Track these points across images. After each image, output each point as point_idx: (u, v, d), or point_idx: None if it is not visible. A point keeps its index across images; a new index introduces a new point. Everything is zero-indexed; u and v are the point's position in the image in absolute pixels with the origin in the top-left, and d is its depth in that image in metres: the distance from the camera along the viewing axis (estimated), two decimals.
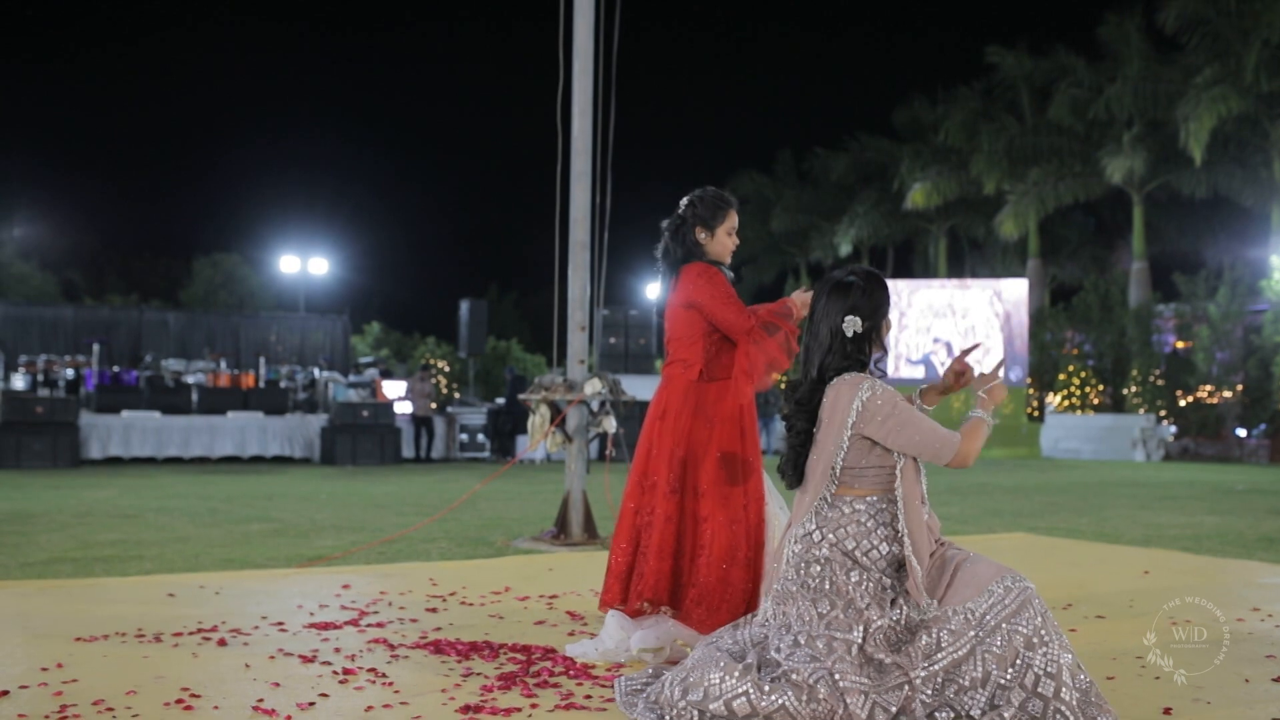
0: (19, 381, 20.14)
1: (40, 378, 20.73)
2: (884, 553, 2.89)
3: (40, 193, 40.22)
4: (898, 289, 28.10)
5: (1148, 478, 16.63)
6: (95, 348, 21.81)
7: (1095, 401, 28.08)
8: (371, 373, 24.21)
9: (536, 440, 6.84)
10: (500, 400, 22.33)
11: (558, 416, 6.80)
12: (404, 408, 19.83)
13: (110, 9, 57.27)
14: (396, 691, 3.01)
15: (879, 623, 2.81)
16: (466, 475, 15.32)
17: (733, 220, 3.71)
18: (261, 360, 23.61)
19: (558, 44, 6.83)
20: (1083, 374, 28.31)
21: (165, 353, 23.88)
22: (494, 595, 4.58)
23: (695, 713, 2.69)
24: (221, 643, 3.58)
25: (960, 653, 2.78)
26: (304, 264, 29.53)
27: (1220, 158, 25.55)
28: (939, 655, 2.78)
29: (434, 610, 4.24)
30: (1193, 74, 24.37)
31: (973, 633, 2.79)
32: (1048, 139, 28.38)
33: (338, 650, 3.50)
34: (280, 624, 3.91)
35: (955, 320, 27.54)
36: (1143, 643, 3.69)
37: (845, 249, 34.90)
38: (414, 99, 62.31)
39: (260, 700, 2.89)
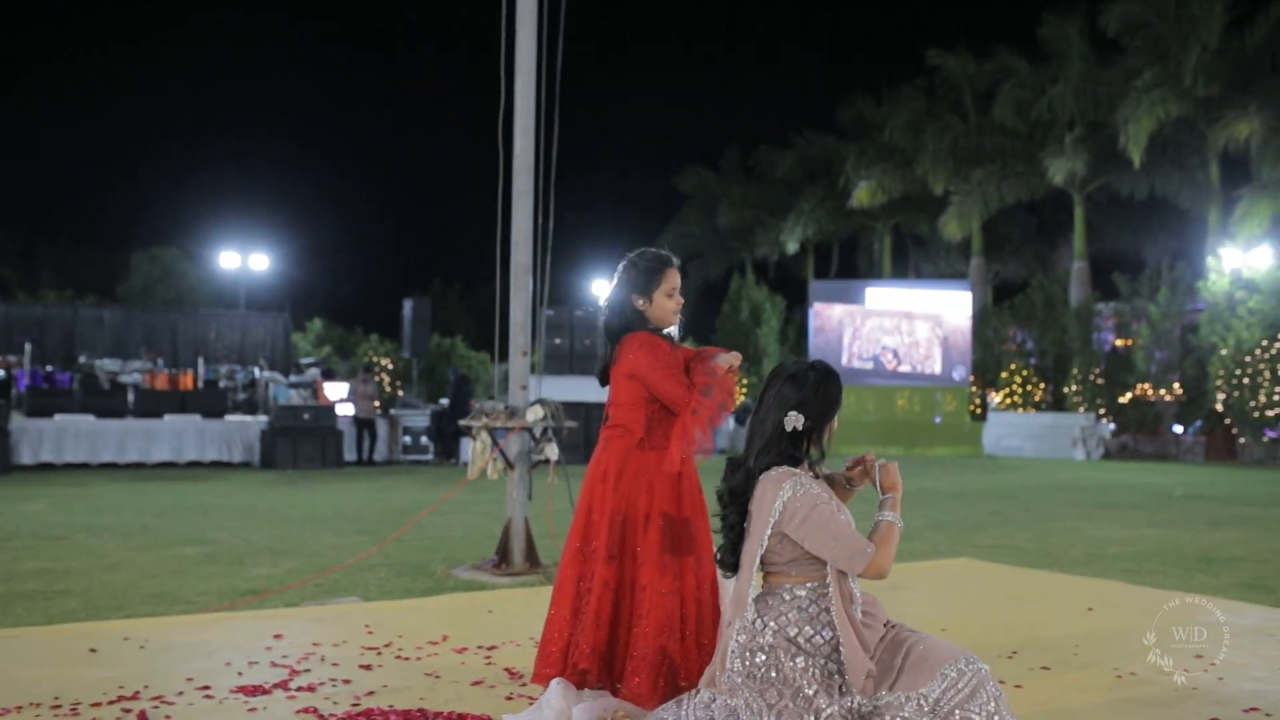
0: None
1: None
2: (826, 638, 2.82)
3: None
4: (852, 290, 28.25)
5: (1088, 480, 16.82)
6: (27, 347, 21.28)
7: (1037, 399, 28.44)
8: (313, 373, 23.86)
9: (478, 468, 6.71)
10: (444, 401, 22.10)
11: (498, 444, 6.68)
12: (346, 410, 19.55)
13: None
14: None
15: (828, 711, 2.74)
16: (409, 481, 15.14)
17: (671, 280, 3.60)
18: (200, 359, 23.21)
19: (501, 45, 6.69)
20: (1024, 372, 28.66)
21: (100, 352, 23.36)
22: (431, 646, 4.46)
23: None
24: (142, 716, 3.43)
25: None
26: (244, 260, 29.04)
27: (1159, 160, 25.92)
28: None
29: (368, 667, 4.11)
30: (1133, 76, 24.69)
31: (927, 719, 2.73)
32: (991, 139, 28.64)
33: None
34: (206, 688, 3.77)
35: (900, 334, 27.77)
36: (1089, 705, 3.66)
37: (792, 246, 35.04)
38: (356, 93, 61.61)
39: None
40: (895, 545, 2.89)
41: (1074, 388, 27.08)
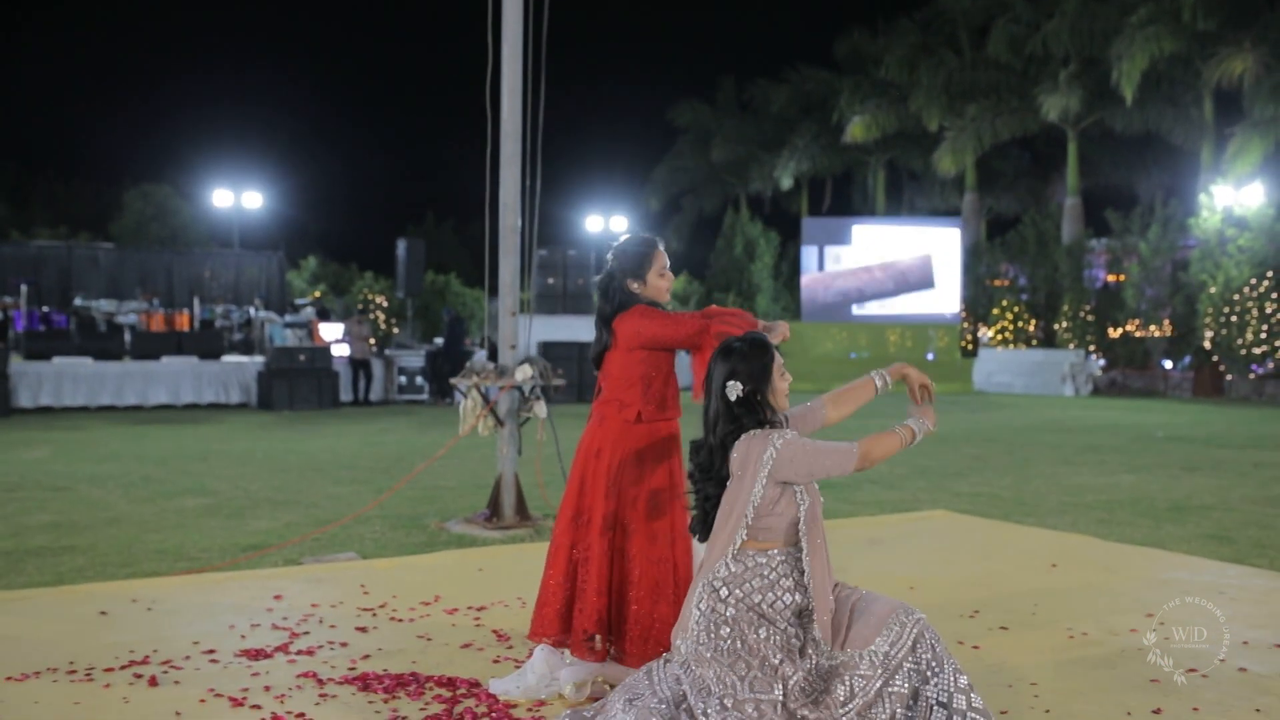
0: None
1: None
2: (789, 603, 3.04)
3: None
4: (842, 228, 28.36)
5: (1074, 419, 17.09)
6: (23, 288, 21.39)
7: (1029, 335, 28.64)
8: (308, 312, 24.01)
9: (469, 425, 6.92)
10: (439, 341, 22.29)
11: (489, 402, 6.88)
12: (341, 351, 19.75)
13: None
14: None
15: (795, 677, 2.96)
16: (405, 423, 15.37)
17: (660, 260, 3.77)
18: (195, 299, 23.33)
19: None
20: (1016, 308, 28.84)
21: (96, 292, 23.47)
22: (423, 607, 4.69)
23: None
24: (153, 681, 3.67)
25: (870, 696, 2.94)
26: (237, 198, 28.99)
27: (1153, 96, 25.88)
28: (853, 702, 2.94)
29: (364, 629, 4.34)
30: (1129, 12, 24.55)
31: (880, 674, 2.95)
32: (986, 75, 28.54)
33: (267, 689, 3.60)
34: (211, 652, 4.00)
35: (890, 272, 27.98)
36: (1038, 664, 3.90)
37: (786, 182, 34.98)
38: (349, 26, 60.88)
39: None
40: (889, 442, 3.18)
41: (1064, 324, 27.30)
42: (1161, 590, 5.02)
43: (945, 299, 28.10)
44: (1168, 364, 25.89)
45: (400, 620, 4.50)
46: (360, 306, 26.95)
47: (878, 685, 2.94)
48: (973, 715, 2.93)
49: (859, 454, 3.10)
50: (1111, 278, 28.53)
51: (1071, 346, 26.67)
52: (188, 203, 32.21)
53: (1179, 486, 9.20)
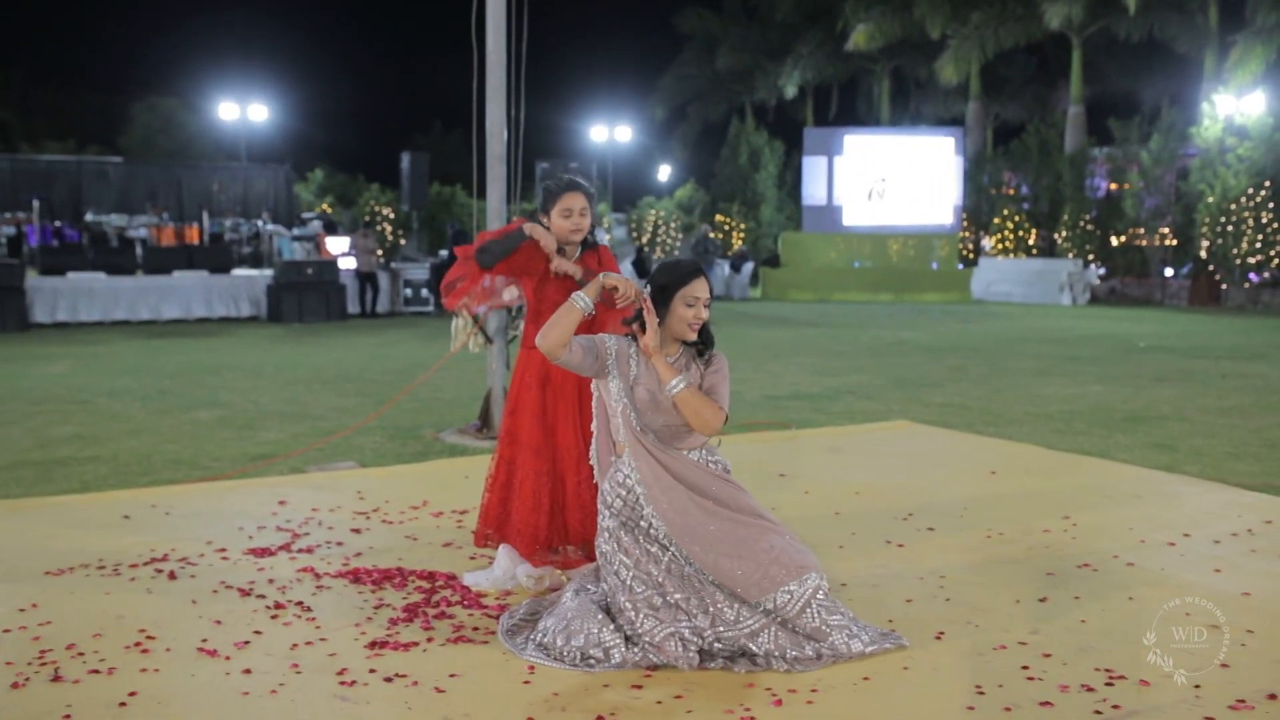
0: None
1: None
2: (633, 505, 3.49)
3: None
4: (836, 139, 28.45)
5: (1064, 330, 17.49)
6: (35, 204, 21.82)
7: (1031, 245, 28.86)
8: (315, 225, 24.41)
9: (460, 343, 7.38)
10: (444, 254, 22.69)
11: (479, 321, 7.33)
12: (348, 264, 20.18)
13: None
14: (318, 627, 3.64)
15: (659, 574, 3.39)
16: (410, 335, 15.87)
17: (565, 203, 4.09)
18: (204, 213, 23.74)
19: None
20: (1017, 217, 29.02)
21: (107, 206, 23.88)
22: (412, 511, 5.22)
23: (578, 654, 3.34)
24: (171, 575, 4.20)
25: (745, 631, 3.37)
26: (244, 111, 29.17)
27: (1157, 2, 25.73)
28: (727, 634, 3.36)
29: (358, 531, 4.87)
30: None
31: (757, 623, 3.36)
32: None
33: (271, 581, 4.13)
34: (222, 550, 4.53)
35: (890, 181, 28.17)
36: (952, 561, 4.40)
37: (790, 90, 34.90)
38: None
39: (204, 640, 3.51)
40: (556, 318, 3.44)
41: (1064, 234, 27.51)
42: (1083, 495, 5.51)
43: (940, 209, 28.29)
44: (1169, 273, 26.16)
45: (391, 522, 5.03)
46: (367, 219, 27.27)
47: (761, 621, 3.34)
48: (855, 653, 3.34)
49: (538, 338, 3.45)
50: (1113, 186, 28.64)
51: (1071, 256, 26.93)
52: (195, 115, 32.39)
53: (1142, 397, 9.65)
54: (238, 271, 19.71)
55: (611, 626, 3.37)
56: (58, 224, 22.13)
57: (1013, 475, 6.02)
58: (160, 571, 4.25)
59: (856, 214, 28.34)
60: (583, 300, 3.47)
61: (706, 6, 37.44)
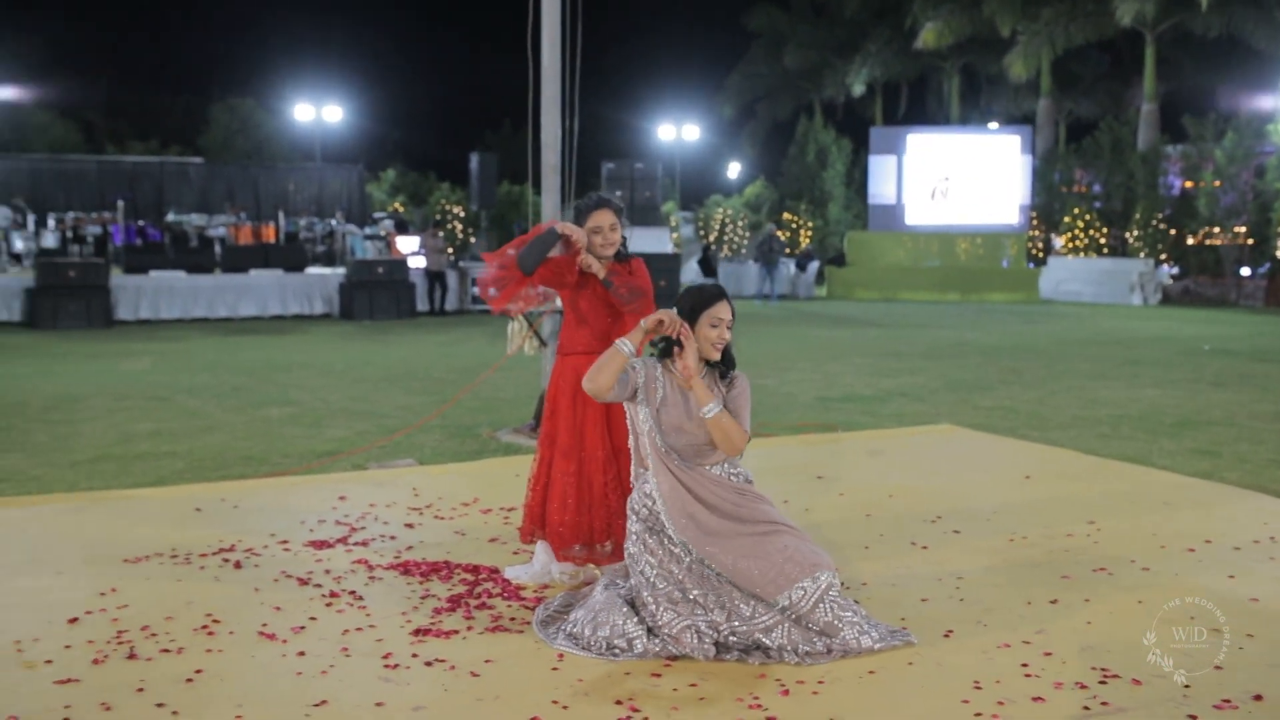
0: (49, 239, 21.05)
1: (69, 234, 21.63)
2: (658, 514, 3.72)
3: (50, 33, 40.28)
4: (899, 138, 28.36)
5: (1130, 331, 17.38)
6: (120, 203, 22.63)
7: (1102, 243, 28.51)
8: (386, 223, 25.00)
9: (516, 345, 7.68)
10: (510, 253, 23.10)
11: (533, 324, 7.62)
12: (418, 263, 20.67)
13: None
14: (368, 615, 3.94)
15: (679, 575, 3.62)
16: (477, 333, 16.25)
17: (595, 219, 4.32)
18: (280, 212, 24.43)
19: None
20: (1088, 216, 28.70)
21: (187, 206, 24.68)
22: (463, 508, 5.52)
23: (604, 644, 3.60)
24: (237, 565, 4.53)
25: (762, 627, 3.59)
26: (319, 112, 29.88)
27: None
28: (742, 629, 3.59)
29: (411, 525, 5.18)
30: None
31: (773, 618, 3.58)
32: None
33: (328, 572, 4.44)
34: (285, 542, 4.86)
35: (957, 180, 28.06)
36: (973, 563, 4.58)
37: (858, 88, 34.85)
38: None
39: (264, 624, 3.83)
40: (601, 364, 3.66)
41: (1135, 232, 27.17)
42: (1112, 501, 5.63)
43: (1005, 209, 28.11)
44: (1245, 272, 25.70)
45: (442, 518, 5.33)
46: (438, 217, 27.80)
47: (775, 618, 3.54)
48: (865, 649, 3.55)
49: (583, 381, 3.71)
50: (1188, 184, 28.21)
51: (1143, 255, 26.60)
52: (271, 116, 33.22)
53: (1195, 401, 9.66)
54: (311, 270, 20.31)
55: (635, 619, 3.62)
56: (141, 223, 22.94)
57: (1046, 480, 6.15)
58: (227, 561, 4.59)
59: (919, 213, 28.28)
60: (627, 346, 3.71)
61: (775, 4, 37.50)
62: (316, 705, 3.18)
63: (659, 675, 3.43)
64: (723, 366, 3.83)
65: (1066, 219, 28.90)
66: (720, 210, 34.44)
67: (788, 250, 31.10)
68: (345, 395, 9.91)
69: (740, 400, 3.80)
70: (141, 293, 17.88)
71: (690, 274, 30.05)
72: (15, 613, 3.96)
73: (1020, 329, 17.89)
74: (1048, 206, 30.23)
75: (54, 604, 4.04)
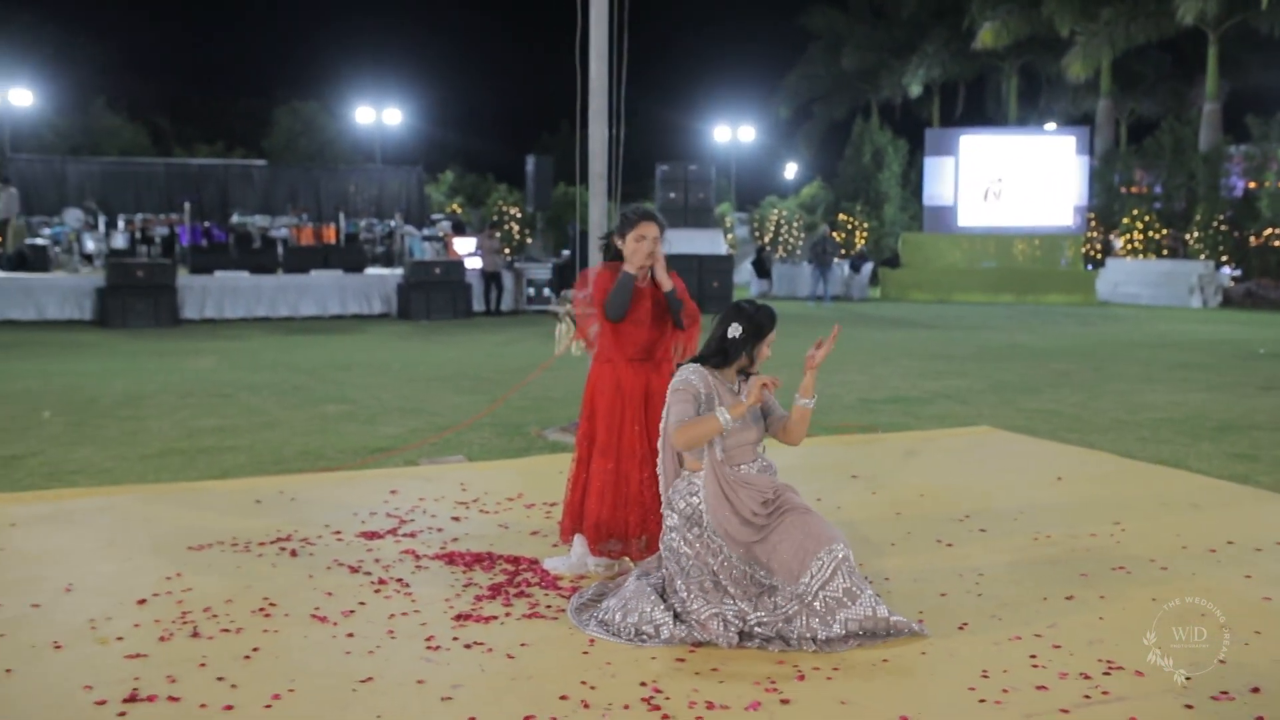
0: (119, 240, 21.71)
1: (138, 236, 22.30)
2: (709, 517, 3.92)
3: (120, 38, 41.34)
4: (951, 140, 28.25)
5: (1185, 334, 17.25)
6: (187, 205, 23.27)
7: (1162, 245, 28.19)
8: (444, 225, 25.43)
9: (564, 346, 7.92)
10: (565, 253, 23.42)
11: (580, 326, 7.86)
12: (474, 264, 21.03)
13: None
14: (413, 601, 4.19)
15: (715, 566, 3.84)
16: (531, 334, 16.54)
17: (641, 230, 4.57)
18: (341, 214, 24.94)
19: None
20: (1148, 217, 28.40)
21: (251, 207, 25.28)
22: (507, 502, 5.76)
23: (633, 630, 3.82)
24: (293, 553, 4.81)
25: (787, 615, 3.80)
26: (379, 115, 30.42)
27: None
28: (768, 618, 3.80)
29: (457, 519, 5.43)
30: None
31: (795, 605, 3.79)
32: None
33: (377, 561, 4.71)
34: (338, 533, 5.14)
35: (1012, 182, 27.95)
36: (995, 561, 4.73)
37: (915, 89, 34.75)
38: None
39: (317, 608, 4.10)
40: (701, 430, 3.89)
41: (1195, 234, 26.86)
42: (1140, 502, 5.74)
43: (1059, 210, 27.92)
44: None
45: (487, 512, 5.58)
46: (495, 219, 28.21)
47: (795, 607, 3.79)
48: (880, 621, 3.76)
49: (675, 437, 3.92)
50: (1251, 185, 27.82)
51: (1203, 257, 26.29)
52: (333, 119, 33.85)
53: (1241, 405, 9.66)
54: (370, 270, 20.76)
55: (663, 606, 3.84)
56: (207, 225, 23.56)
57: (1077, 482, 6.27)
58: (284, 549, 4.87)
59: (972, 214, 28.20)
60: (725, 418, 3.90)
61: (834, 5, 37.48)
62: (362, 681, 3.43)
63: (683, 660, 3.63)
64: (751, 372, 4.10)
65: (1125, 220, 28.63)
66: (775, 211, 34.53)
67: (842, 252, 31.12)
68: (399, 394, 10.23)
69: (773, 400, 4.17)
70: (207, 292, 18.43)
71: (745, 275, 30.22)
72: (90, 595, 4.27)
73: (1073, 331, 17.84)
74: (1107, 208, 29.95)
75: (125, 587, 4.34)
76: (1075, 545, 4.96)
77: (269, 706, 3.25)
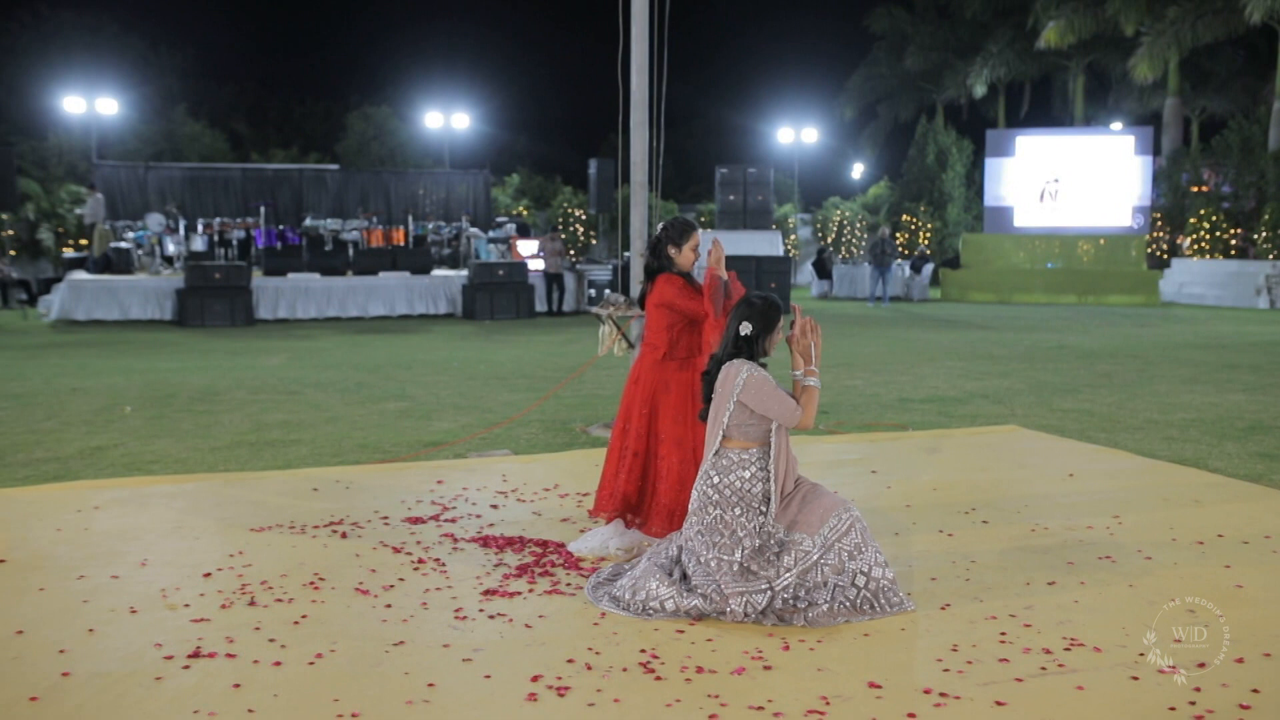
0: (198, 242, 22.62)
1: (216, 239, 23.20)
2: (757, 491, 4.30)
3: (199, 45, 42.65)
4: (1008, 141, 28.18)
5: (1244, 335, 17.20)
6: (262, 209, 24.12)
7: (1231, 244, 27.87)
8: (509, 228, 26.03)
9: (606, 347, 8.35)
10: (627, 255, 23.89)
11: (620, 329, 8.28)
12: (537, 265, 21.57)
13: None
14: (447, 578, 4.64)
15: (752, 544, 4.24)
16: (590, 333, 16.99)
17: (694, 239, 5.03)
18: (409, 217, 25.65)
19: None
20: (1215, 217, 28.10)
21: (323, 211, 26.08)
22: (544, 492, 6.21)
23: (641, 605, 4.23)
24: (343, 535, 5.30)
25: (808, 564, 4.21)
26: (447, 119, 31.14)
27: None
28: (795, 566, 4.22)
29: (495, 507, 5.88)
30: None
31: (819, 549, 4.21)
32: None
33: (419, 543, 5.17)
34: (385, 518, 5.61)
35: (1074, 182, 27.87)
36: (989, 549, 5.06)
37: (980, 89, 34.65)
38: None
39: (360, 583, 4.57)
40: (816, 403, 4.29)
41: (1264, 234, 26.55)
42: (1142, 498, 6.02)
43: (1117, 210, 27.77)
44: None
45: (523, 501, 6.02)
46: (559, 221, 28.75)
47: (815, 557, 4.19)
48: (884, 583, 4.18)
49: (800, 420, 4.27)
50: None
51: (1271, 257, 25.98)
52: (404, 124, 34.69)
53: (1276, 407, 9.79)
54: (436, 272, 21.40)
55: (668, 582, 4.24)
56: (281, 228, 24.38)
57: (1089, 478, 6.54)
58: (335, 532, 5.36)
59: (1028, 215, 28.17)
60: (814, 381, 4.30)
61: (898, 5, 37.49)
62: (395, 644, 3.88)
63: (682, 631, 4.04)
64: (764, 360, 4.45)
65: (1192, 220, 28.37)
66: (838, 212, 34.67)
67: (904, 252, 31.20)
68: (456, 391, 10.74)
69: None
70: (280, 293, 19.18)
71: (806, 275, 30.45)
72: (162, 567, 4.78)
73: (1128, 332, 17.86)
74: (1173, 207, 29.68)
75: (193, 562, 4.85)
76: (1069, 537, 5.27)
77: (311, 664, 3.72)
